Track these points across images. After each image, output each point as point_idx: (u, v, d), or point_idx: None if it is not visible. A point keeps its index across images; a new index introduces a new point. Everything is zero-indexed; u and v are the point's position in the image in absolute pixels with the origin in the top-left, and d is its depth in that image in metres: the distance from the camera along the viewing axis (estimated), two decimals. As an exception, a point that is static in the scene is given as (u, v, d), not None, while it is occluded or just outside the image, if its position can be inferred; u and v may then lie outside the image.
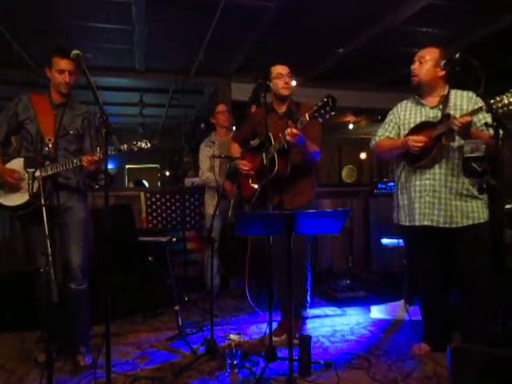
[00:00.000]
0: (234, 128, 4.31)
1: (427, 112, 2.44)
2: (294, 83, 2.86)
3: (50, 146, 2.46)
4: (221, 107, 4.09)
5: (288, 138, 2.45)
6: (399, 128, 2.56)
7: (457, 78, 2.32)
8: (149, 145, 2.40)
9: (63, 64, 2.41)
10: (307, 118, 2.38)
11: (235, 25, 3.88)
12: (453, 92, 2.40)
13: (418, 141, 2.30)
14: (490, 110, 1.91)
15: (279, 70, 2.80)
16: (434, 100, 2.43)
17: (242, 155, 3.01)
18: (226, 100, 5.23)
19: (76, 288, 2.47)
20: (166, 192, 4.98)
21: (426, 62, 2.36)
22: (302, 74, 5.34)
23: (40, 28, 3.91)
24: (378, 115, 7.73)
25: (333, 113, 2.29)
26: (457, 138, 2.28)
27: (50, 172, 2.39)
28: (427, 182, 2.37)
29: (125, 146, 2.37)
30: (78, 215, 2.54)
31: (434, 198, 2.35)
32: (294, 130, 2.41)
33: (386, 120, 2.65)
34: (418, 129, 2.39)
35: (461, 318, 2.45)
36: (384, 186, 5.07)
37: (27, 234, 2.51)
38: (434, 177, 2.35)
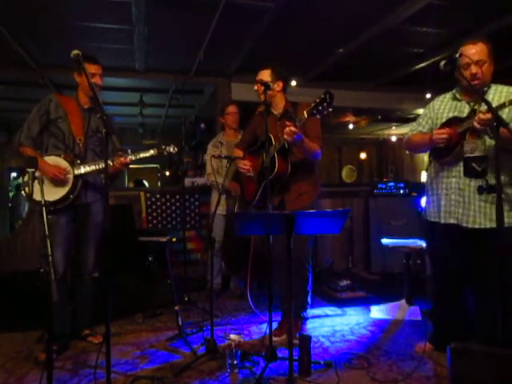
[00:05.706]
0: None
1: (463, 107, 2.31)
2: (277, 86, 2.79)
3: (81, 145, 2.63)
4: (231, 108, 4.00)
5: (286, 136, 2.43)
6: (433, 123, 2.44)
7: (456, 78, 2.31)
8: (176, 149, 2.70)
9: (94, 68, 2.60)
10: (305, 116, 2.37)
11: (235, 25, 3.88)
12: (493, 87, 2.27)
13: (441, 133, 2.22)
14: (489, 109, 1.89)
15: (259, 75, 2.76)
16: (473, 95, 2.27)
17: (244, 157, 3.00)
18: (226, 100, 5.23)
19: (90, 277, 2.76)
20: (166, 192, 4.97)
21: (484, 63, 2.21)
22: (302, 73, 5.34)
23: (40, 28, 3.92)
24: (378, 115, 7.75)
25: (330, 109, 2.28)
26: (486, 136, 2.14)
27: (82, 171, 2.56)
28: (453, 179, 2.30)
29: (156, 150, 2.69)
30: (99, 218, 2.73)
31: (460, 197, 2.28)
32: (292, 128, 2.40)
33: (421, 114, 2.55)
34: (447, 124, 2.30)
35: (477, 320, 2.35)
36: (384, 186, 5.07)
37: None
38: (460, 174, 2.24)
